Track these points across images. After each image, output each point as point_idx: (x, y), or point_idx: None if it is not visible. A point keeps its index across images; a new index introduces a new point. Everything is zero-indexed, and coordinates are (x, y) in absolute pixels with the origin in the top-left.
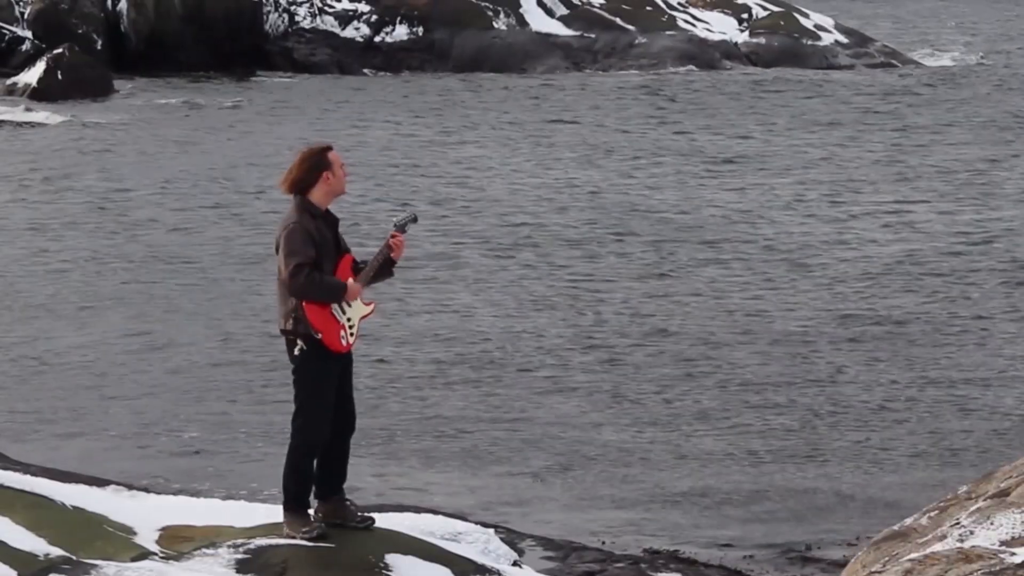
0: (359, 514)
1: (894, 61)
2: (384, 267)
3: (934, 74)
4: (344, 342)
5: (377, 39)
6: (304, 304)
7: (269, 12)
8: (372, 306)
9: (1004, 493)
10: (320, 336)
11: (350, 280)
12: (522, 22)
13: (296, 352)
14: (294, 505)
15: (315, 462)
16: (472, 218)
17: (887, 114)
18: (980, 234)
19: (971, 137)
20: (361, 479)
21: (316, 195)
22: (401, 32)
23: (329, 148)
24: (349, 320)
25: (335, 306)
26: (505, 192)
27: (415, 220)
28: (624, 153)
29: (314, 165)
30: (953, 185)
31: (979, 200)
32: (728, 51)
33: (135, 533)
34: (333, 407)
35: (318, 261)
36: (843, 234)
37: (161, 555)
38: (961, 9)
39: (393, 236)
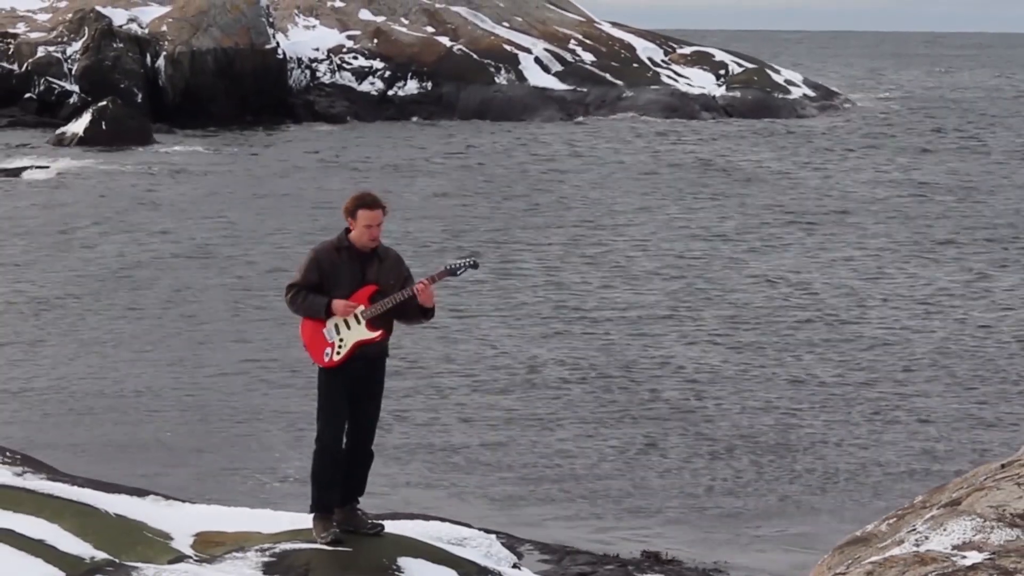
0: (369, 522)
1: (854, 109)
2: (412, 310)
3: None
4: (327, 359)
5: (390, 93)
6: (301, 320)
7: (293, 68)
8: (378, 333)
9: (956, 502)
10: (306, 349)
11: (362, 310)
12: (521, 77)
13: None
14: (315, 509)
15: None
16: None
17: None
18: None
19: None
20: (376, 489)
21: (352, 233)
22: (412, 86)
23: (367, 205)
24: (341, 340)
25: (330, 325)
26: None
27: (475, 266)
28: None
29: (347, 209)
30: None
31: None
32: (707, 103)
33: (172, 538)
34: (344, 417)
35: (320, 286)
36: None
37: (195, 558)
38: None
39: (420, 282)
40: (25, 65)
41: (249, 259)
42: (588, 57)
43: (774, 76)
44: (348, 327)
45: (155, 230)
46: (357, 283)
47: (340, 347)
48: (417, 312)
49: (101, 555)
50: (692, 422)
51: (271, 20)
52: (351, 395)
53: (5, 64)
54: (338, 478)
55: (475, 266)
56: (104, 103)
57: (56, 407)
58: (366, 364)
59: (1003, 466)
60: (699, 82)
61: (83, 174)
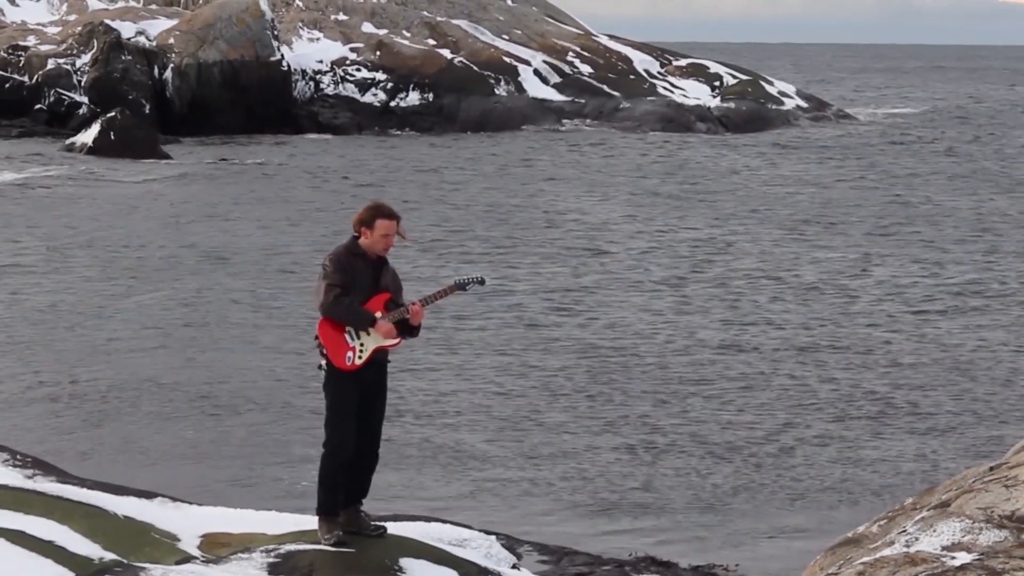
0: (372, 524)
1: (847, 120)
2: (405, 326)
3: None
4: (349, 362)
5: (392, 104)
6: (320, 322)
7: (297, 80)
8: (397, 341)
9: (945, 504)
10: (326, 351)
11: (380, 317)
12: (520, 89)
13: (321, 366)
14: (322, 511)
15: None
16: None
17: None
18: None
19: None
20: (377, 491)
21: (363, 241)
22: (414, 98)
23: (385, 215)
24: (362, 345)
25: (349, 330)
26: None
27: (482, 283)
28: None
29: (362, 219)
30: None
31: None
32: (702, 115)
33: (179, 540)
34: (354, 421)
35: (348, 289)
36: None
37: (202, 559)
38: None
39: (414, 303)
40: (35, 77)
41: (256, 266)
42: (586, 69)
43: (768, 88)
44: (368, 332)
45: (163, 236)
46: (373, 289)
47: (361, 351)
48: (405, 329)
49: (110, 556)
50: (689, 424)
51: (276, 33)
52: (363, 399)
53: (16, 76)
54: (344, 481)
55: (482, 282)
56: (113, 114)
57: (66, 411)
58: (377, 369)
59: (991, 469)
60: (694, 93)
61: (93, 182)
